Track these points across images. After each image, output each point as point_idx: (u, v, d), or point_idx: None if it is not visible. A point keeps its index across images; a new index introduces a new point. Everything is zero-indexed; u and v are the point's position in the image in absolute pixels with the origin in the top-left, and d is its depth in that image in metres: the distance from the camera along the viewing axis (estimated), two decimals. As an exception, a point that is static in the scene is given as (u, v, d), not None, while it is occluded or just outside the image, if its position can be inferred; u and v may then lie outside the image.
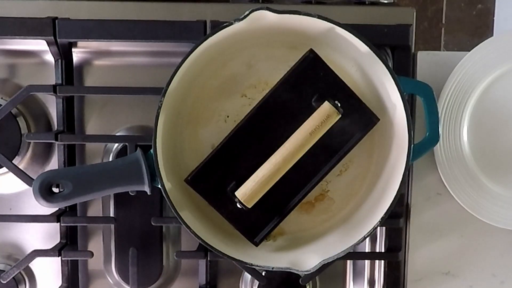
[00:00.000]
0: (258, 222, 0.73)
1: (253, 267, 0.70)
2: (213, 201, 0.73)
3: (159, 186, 0.69)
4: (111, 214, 0.81)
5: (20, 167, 0.77)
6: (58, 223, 0.79)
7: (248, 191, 0.67)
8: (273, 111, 0.71)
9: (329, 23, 0.68)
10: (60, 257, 0.78)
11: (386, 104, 0.72)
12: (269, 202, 0.70)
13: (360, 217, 0.73)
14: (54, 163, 0.81)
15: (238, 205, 0.69)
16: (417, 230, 0.82)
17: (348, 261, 0.84)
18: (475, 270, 0.82)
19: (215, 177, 0.72)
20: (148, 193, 0.70)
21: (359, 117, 0.69)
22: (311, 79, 0.70)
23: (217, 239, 0.71)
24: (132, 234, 0.81)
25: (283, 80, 0.71)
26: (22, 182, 0.76)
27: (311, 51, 0.70)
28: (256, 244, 0.73)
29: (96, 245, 0.83)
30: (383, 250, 0.82)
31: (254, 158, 0.69)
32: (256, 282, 0.79)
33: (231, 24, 0.67)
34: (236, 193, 0.68)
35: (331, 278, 0.84)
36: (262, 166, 0.67)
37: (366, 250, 0.84)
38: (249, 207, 0.68)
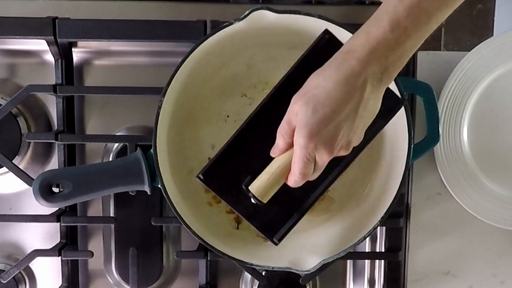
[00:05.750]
0: (276, 219, 0.67)
1: (253, 267, 0.70)
2: (227, 198, 0.67)
3: (159, 186, 0.69)
4: (111, 214, 0.81)
5: (20, 167, 0.77)
6: (58, 223, 0.79)
7: (263, 185, 0.62)
8: (288, 98, 0.60)
9: (329, 23, 0.68)
10: (60, 257, 0.78)
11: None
12: (287, 198, 0.65)
13: (360, 217, 0.73)
14: (54, 163, 0.81)
15: (253, 201, 0.63)
16: (417, 230, 0.82)
17: (348, 261, 0.84)
18: (475, 270, 0.82)
19: (229, 172, 0.66)
20: (148, 193, 0.70)
21: (383, 101, 0.60)
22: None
23: (217, 239, 0.71)
24: (132, 234, 0.81)
25: (297, 64, 0.65)
26: (22, 182, 0.76)
27: (326, 31, 0.65)
28: (276, 243, 0.68)
29: (96, 245, 0.83)
30: (383, 250, 0.82)
31: (269, 149, 0.62)
32: (256, 282, 0.78)
33: (231, 24, 0.68)
34: (249, 187, 0.63)
35: (331, 278, 0.84)
36: (276, 158, 0.62)
37: (366, 250, 0.84)
38: (264, 202, 0.63)
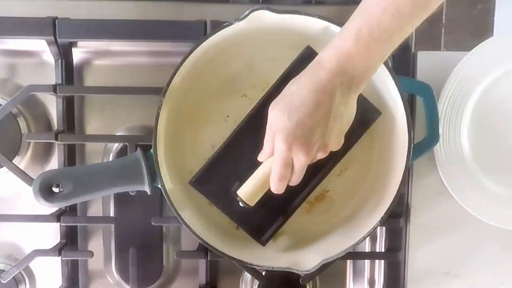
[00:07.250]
0: (264, 222, 0.73)
1: (253, 267, 0.70)
2: (217, 202, 0.74)
3: (159, 186, 0.69)
4: (111, 214, 0.81)
5: (20, 167, 0.77)
6: (58, 223, 0.79)
7: (249, 189, 0.68)
8: None
9: (329, 23, 0.68)
10: (60, 257, 0.78)
11: (387, 103, 0.72)
12: (273, 202, 0.70)
13: (360, 217, 0.73)
14: (54, 163, 0.81)
15: (241, 204, 0.68)
16: (417, 230, 0.82)
17: (348, 261, 0.84)
18: (475, 270, 0.82)
19: (219, 178, 0.72)
20: (148, 193, 0.70)
21: (361, 112, 0.65)
22: None
23: (217, 239, 0.71)
24: (132, 234, 0.81)
25: (281, 78, 0.71)
26: (22, 182, 0.76)
27: (308, 48, 0.71)
28: (263, 244, 0.74)
29: (96, 245, 0.83)
30: (383, 250, 0.82)
31: (256, 157, 0.68)
32: (256, 282, 0.78)
33: (231, 24, 0.68)
34: (237, 192, 0.68)
35: (331, 278, 0.84)
36: (262, 165, 0.67)
37: (366, 250, 0.84)
38: (251, 205, 0.68)
